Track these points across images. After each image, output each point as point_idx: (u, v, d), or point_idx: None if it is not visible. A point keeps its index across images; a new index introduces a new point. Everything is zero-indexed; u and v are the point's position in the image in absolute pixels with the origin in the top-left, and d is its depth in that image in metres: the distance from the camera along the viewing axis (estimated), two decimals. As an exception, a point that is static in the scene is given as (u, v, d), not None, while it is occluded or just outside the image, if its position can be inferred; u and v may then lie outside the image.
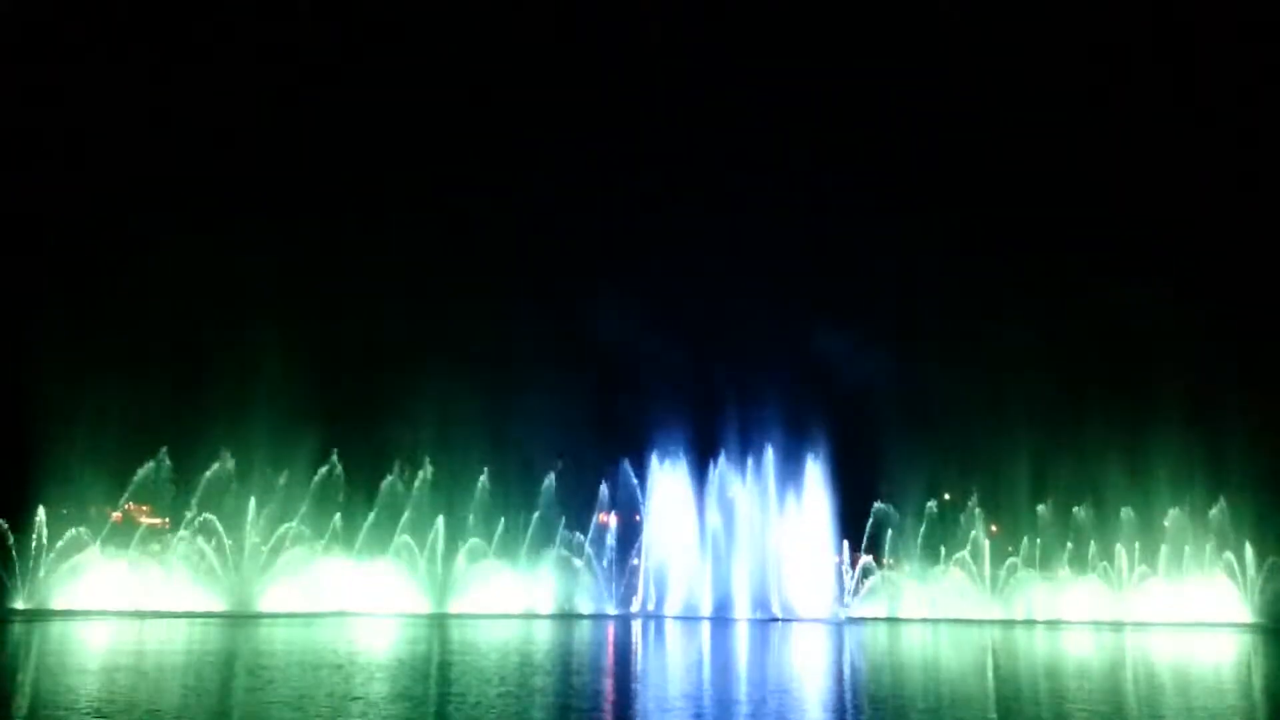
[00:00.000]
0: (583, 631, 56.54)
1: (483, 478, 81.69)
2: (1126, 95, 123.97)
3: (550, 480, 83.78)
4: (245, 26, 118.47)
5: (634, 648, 45.38)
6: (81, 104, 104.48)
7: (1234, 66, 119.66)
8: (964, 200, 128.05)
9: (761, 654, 42.47)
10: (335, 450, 77.85)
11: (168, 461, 71.59)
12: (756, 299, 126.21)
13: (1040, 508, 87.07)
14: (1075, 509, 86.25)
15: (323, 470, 77.01)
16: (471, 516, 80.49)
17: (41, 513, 66.95)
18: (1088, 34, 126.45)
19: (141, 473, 71.00)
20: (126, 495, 72.30)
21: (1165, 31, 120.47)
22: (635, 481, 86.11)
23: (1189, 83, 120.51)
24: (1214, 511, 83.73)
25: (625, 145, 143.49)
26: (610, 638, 51.85)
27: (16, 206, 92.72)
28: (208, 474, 72.44)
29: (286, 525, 74.52)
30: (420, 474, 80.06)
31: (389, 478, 79.77)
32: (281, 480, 75.23)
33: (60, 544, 66.87)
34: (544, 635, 51.60)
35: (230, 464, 72.98)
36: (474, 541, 79.25)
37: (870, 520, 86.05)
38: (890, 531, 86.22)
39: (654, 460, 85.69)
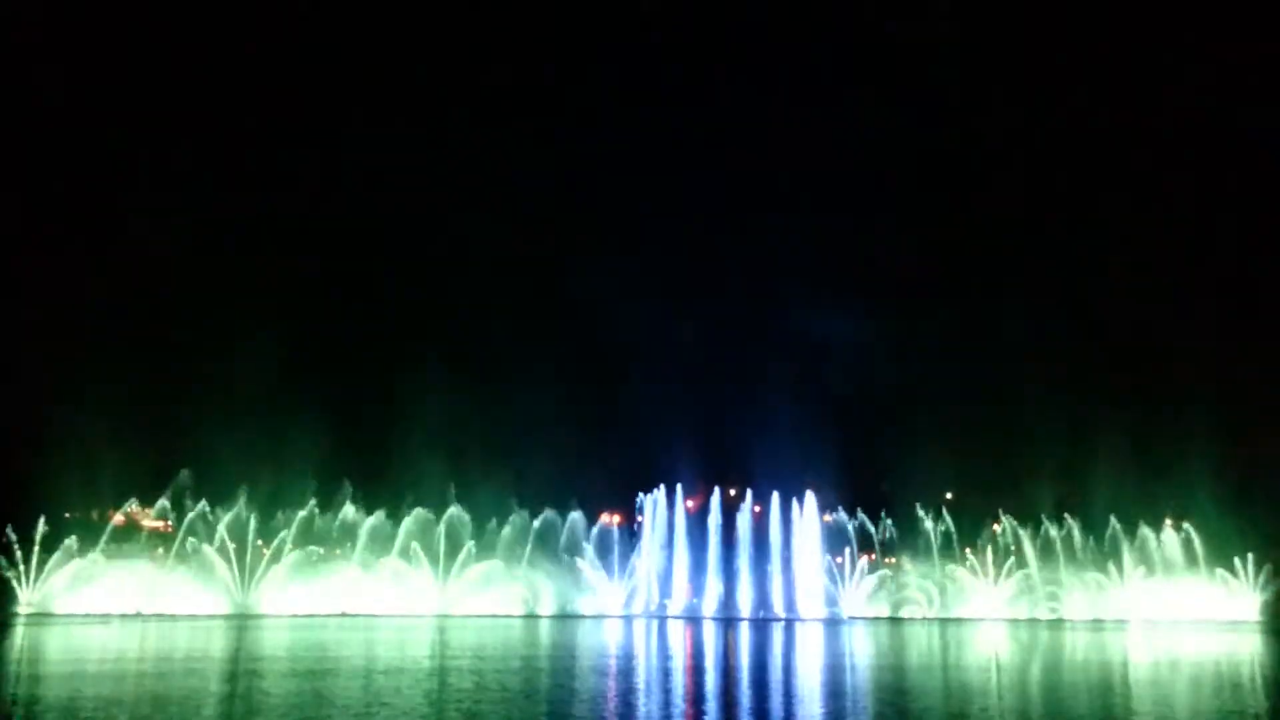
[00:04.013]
0: (586, 632, 56.57)
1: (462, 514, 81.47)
2: (1133, 81, 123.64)
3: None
4: (243, 22, 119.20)
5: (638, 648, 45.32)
6: (83, 109, 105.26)
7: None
8: (964, 196, 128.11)
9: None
10: (313, 487, 78.00)
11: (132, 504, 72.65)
12: (759, 299, 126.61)
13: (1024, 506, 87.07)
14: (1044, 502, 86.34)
15: (303, 513, 77.24)
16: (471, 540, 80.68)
17: (43, 520, 67.49)
18: (1088, 24, 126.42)
19: (121, 510, 71.91)
20: (182, 529, 72.90)
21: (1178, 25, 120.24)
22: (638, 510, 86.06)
23: (1192, 74, 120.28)
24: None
25: (626, 142, 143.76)
26: (611, 641, 51.83)
27: (18, 213, 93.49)
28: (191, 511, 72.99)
29: (286, 531, 75.12)
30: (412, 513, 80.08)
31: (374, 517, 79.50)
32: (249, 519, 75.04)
33: (61, 548, 67.52)
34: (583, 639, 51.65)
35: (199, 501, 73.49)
36: (475, 543, 79.60)
37: (864, 520, 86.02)
38: (888, 531, 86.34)
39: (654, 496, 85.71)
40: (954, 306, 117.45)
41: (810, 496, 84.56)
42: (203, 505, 72.85)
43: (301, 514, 75.75)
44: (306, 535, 75.89)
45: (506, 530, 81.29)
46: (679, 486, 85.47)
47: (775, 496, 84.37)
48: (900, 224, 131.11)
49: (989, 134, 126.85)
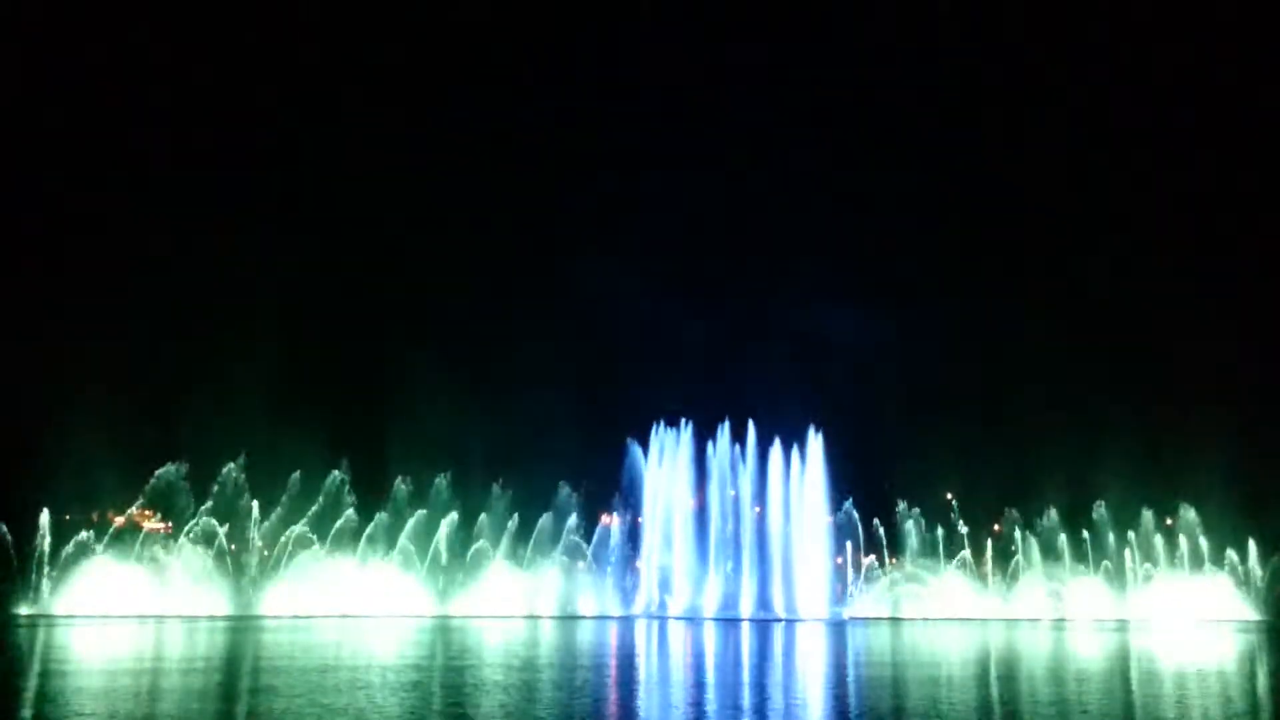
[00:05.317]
0: (585, 633, 56.59)
1: (496, 485, 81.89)
2: (1136, 77, 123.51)
3: (564, 492, 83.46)
4: (248, 28, 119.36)
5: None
6: (84, 107, 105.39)
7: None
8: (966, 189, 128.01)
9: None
10: (344, 460, 78.06)
11: (182, 469, 72.16)
12: (760, 298, 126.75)
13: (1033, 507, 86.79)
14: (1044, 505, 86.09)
15: (333, 476, 77.24)
16: (483, 518, 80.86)
17: (45, 517, 67.46)
18: (1089, 22, 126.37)
19: (156, 477, 71.47)
20: (141, 501, 72.79)
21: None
22: (641, 460, 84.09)
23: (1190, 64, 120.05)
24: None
25: (624, 113, 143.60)
26: (614, 640, 51.83)
27: (20, 211, 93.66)
28: (222, 474, 72.87)
29: (293, 528, 75.02)
30: (435, 484, 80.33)
31: (399, 487, 79.69)
32: (293, 486, 75.26)
33: (68, 550, 67.56)
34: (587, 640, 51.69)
35: (240, 473, 73.28)
36: (478, 545, 79.60)
37: (862, 520, 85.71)
38: (886, 531, 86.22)
39: (653, 447, 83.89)
40: (955, 305, 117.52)
41: (813, 438, 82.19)
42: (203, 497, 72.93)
43: (299, 526, 75.64)
44: (306, 537, 75.83)
45: (507, 531, 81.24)
46: (683, 421, 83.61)
47: (777, 441, 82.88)
48: (901, 223, 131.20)
49: (990, 131, 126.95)
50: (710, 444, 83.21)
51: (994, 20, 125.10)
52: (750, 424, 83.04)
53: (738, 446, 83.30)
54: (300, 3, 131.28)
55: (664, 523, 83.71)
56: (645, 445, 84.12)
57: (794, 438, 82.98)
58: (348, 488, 77.49)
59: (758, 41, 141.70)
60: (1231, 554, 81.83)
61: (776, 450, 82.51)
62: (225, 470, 73.25)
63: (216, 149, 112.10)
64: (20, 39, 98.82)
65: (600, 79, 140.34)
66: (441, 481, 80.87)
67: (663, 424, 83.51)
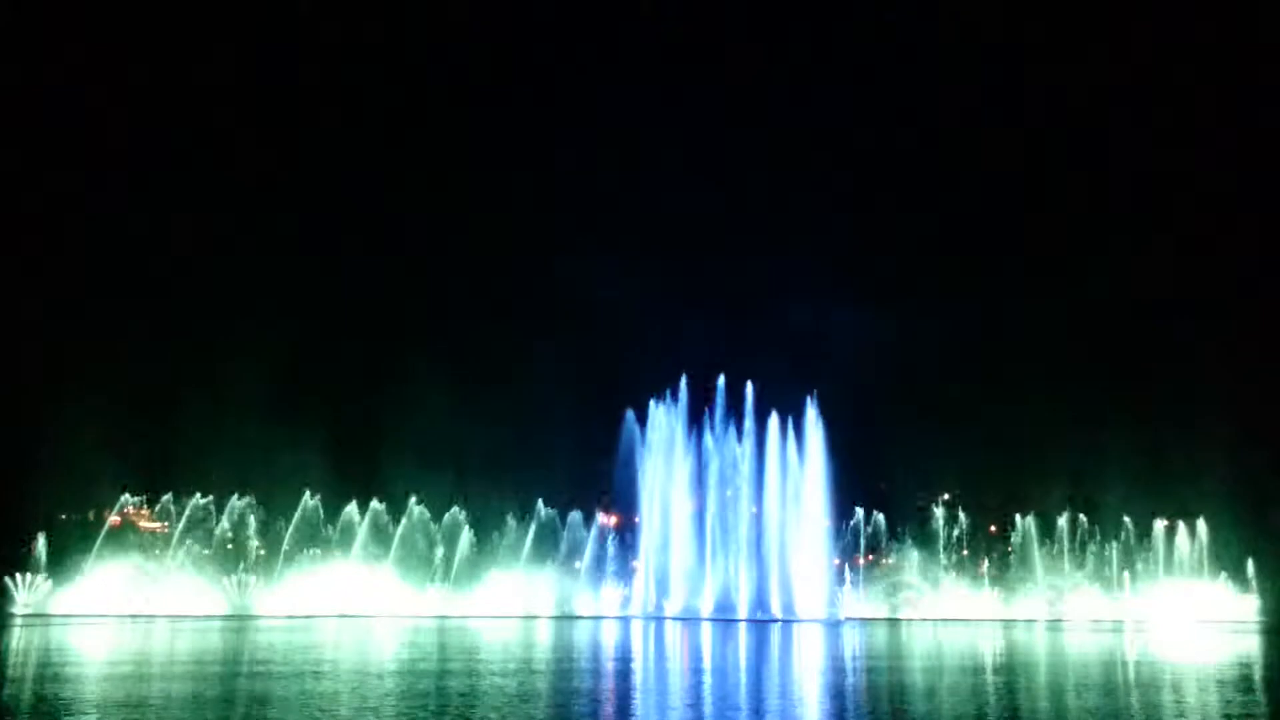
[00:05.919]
0: (584, 634, 56.55)
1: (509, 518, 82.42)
2: (1138, 78, 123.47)
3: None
4: (249, 23, 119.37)
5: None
6: (83, 107, 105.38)
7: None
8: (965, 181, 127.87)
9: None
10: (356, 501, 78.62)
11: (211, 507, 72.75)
12: (760, 297, 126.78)
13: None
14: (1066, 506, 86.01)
15: (347, 511, 77.93)
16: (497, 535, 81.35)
17: (43, 523, 67.64)
18: (1090, 22, 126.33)
19: (190, 508, 72.19)
20: (179, 530, 73.05)
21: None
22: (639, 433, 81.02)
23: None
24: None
25: (624, 113, 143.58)
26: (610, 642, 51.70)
27: (20, 210, 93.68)
28: (233, 504, 73.32)
29: (285, 532, 75.28)
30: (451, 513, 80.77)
31: (412, 508, 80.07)
32: (306, 507, 75.83)
33: (65, 553, 67.80)
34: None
35: (252, 512, 73.81)
36: (478, 545, 79.87)
37: (860, 521, 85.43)
38: (883, 532, 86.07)
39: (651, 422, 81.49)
40: (955, 305, 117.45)
41: (813, 420, 79.96)
42: (200, 501, 72.95)
43: (299, 516, 75.78)
44: (306, 536, 75.93)
45: (506, 532, 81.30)
46: (683, 379, 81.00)
47: (774, 416, 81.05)
48: (902, 223, 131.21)
49: (991, 131, 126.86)
50: (708, 417, 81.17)
51: (995, 21, 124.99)
52: (748, 395, 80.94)
53: (734, 421, 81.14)
54: (300, 3, 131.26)
55: (663, 497, 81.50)
56: (644, 425, 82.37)
57: (793, 424, 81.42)
58: (361, 533, 77.86)
59: (757, 41, 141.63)
60: (1229, 555, 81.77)
61: (774, 426, 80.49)
62: (243, 502, 73.78)
63: (217, 148, 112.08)
64: (20, 39, 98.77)
65: (600, 79, 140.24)
66: (457, 509, 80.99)
67: (666, 397, 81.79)
